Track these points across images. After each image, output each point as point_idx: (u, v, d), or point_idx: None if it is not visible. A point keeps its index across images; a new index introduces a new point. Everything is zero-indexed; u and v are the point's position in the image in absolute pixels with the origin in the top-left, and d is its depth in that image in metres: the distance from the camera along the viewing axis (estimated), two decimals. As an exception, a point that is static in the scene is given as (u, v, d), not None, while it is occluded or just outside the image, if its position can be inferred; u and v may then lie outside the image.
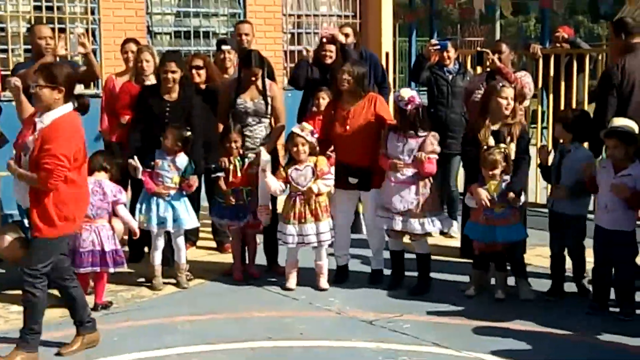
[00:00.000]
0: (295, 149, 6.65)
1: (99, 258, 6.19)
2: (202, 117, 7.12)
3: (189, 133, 6.75)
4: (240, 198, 6.93)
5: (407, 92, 6.53)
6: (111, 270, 6.29)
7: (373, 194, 6.80)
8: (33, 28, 7.43)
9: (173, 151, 6.75)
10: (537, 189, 9.27)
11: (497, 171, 6.32)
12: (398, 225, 6.53)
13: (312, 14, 11.48)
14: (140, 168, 6.71)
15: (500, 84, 6.55)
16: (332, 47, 7.84)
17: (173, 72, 6.88)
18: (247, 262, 7.17)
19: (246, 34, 8.37)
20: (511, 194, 6.31)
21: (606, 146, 6.08)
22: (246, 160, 6.93)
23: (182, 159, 6.76)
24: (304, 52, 7.96)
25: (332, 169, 6.90)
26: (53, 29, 8.04)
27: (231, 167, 6.91)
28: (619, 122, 6.05)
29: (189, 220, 6.84)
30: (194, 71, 7.55)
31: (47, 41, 7.17)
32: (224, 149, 6.93)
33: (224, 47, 8.05)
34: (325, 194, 6.73)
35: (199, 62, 7.64)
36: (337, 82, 6.79)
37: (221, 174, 6.93)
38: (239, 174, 6.91)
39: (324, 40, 7.86)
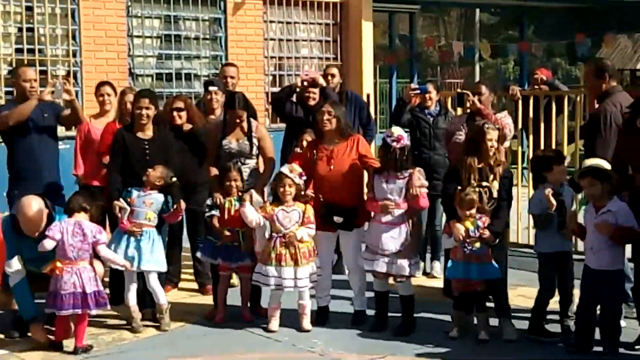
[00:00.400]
0: (282, 189, 6.65)
1: (80, 300, 6.12)
2: (182, 158, 7.11)
3: (175, 179, 6.74)
4: (235, 239, 6.87)
5: (397, 130, 6.58)
6: (93, 311, 6.22)
7: (353, 234, 6.82)
8: (17, 70, 7.42)
9: (152, 186, 6.73)
10: (519, 229, 9.31)
11: (474, 211, 6.35)
12: (383, 267, 6.52)
13: (293, 56, 11.56)
14: (128, 209, 6.67)
15: (487, 125, 6.59)
16: (315, 90, 7.89)
17: (147, 108, 6.89)
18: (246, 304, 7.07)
19: (231, 77, 8.42)
20: (487, 232, 6.33)
21: (583, 187, 6.13)
22: (243, 199, 6.80)
23: (157, 197, 6.74)
24: (298, 81, 8.01)
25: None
26: (35, 72, 8.02)
27: (227, 205, 6.85)
28: (591, 161, 6.13)
29: (152, 262, 6.72)
30: (175, 113, 7.56)
31: (31, 84, 7.17)
32: (222, 188, 6.88)
33: (211, 88, 8.06)
34: (307, 242, 6.70)
35: (180, 104, 7.65)
36: (319, 122, 6.83)
37: (216, 213, 6.88)
38: (232, 213, 6.81)
39: (305, 83, 7.91)
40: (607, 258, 5.96)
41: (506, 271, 6.69)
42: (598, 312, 6.09)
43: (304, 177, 6.71)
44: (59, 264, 6.11)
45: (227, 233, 6.80)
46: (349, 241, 6.90)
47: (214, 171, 7.06)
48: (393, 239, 6.50)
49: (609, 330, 6.02)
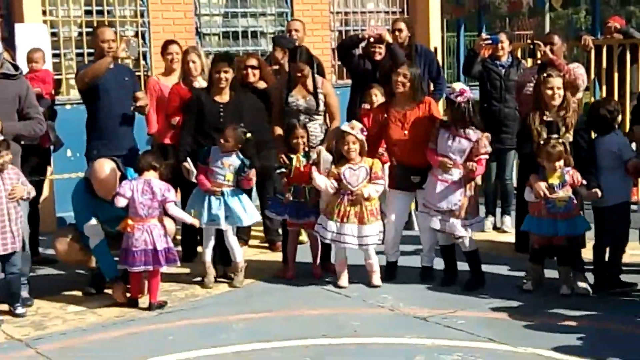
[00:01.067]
0: (346, 147, 6.60)
1: (151, 256, 6.22)
2: (256, 117, 7.14)
3: (249, 134, 6.72)
4: (302, 195, 6.86)
5: (458, 85, 6.49)
6: (164, 268, 6.32)
7: None
8: (96, 30, 7.53)
9: (229, 149, 6.76)
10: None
11: (562, 162, 6.22)
12: (436, 224, 6.48)
13: (359, 11, 11.44)
14: (194, 171, 6.73)
15: (545, 74, 6.45)
16: (381, 45, 7.79)
17: (226, 72, 6.91)
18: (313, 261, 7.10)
19: (296, 30, 8.40)
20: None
21: None
22: (312, 156, 6.83)
23: (235, 157, 6.76)
24: (365, 34, 7.95)
25: (386, 172, 6.86)
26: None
27: (295, 162, 6.84)
28: None
29: (246, 216, 6.78)
30: (249, 70, 7.59)
31: (109, 44, 7.27)
32: (288, 146, 6.87)
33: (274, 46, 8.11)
34: (375, 198, 6.67)
35: (254, 62, 7.67)
36: (392, 84, 6.73)
37: (284, 170, 6.87)
38: (302, 170, 6.81)
39: (372, 39, 7.81)
40: None
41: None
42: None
43: (365, 132, 6.65)
44: (130, 222, 6.21)
45: (289, 195, 6.81)
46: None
47: (279, 130, 7.06)
48: (446, 198, 6.42)
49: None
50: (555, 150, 6.19)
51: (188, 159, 6.81)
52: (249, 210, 6.81)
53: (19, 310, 6.17)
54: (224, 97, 7.00)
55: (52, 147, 7.63)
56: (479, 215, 6.74)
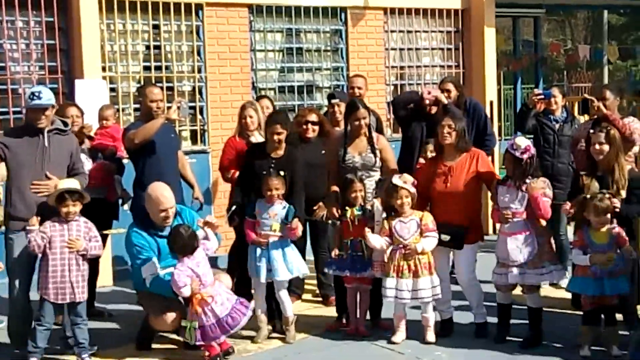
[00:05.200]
0: (399, 201, 6.58)
1: (218, 328, 6.25)
2: (309, 172, 7.16)
3: (282, 173, 6.76)
4: (359, 249, 6.81)
5: (523, 141, 6.44)
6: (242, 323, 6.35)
7: (465, 252, 6.72)
8: (144, 89, 7.49)
9: (272, 199, 6.77)
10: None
11: (609, 216, 6.12)
12: (514, 279, 6.40)
13: (414, 65, 11.49)
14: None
15: (590, 131, 6.42)
16: (436, 106, 7.70)
17: (279, 133, 6.91)
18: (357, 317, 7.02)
19: (359, 87, 8.32)
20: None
21: None
22: (367, 210, 6.81)
23: (279, 207, 6.76)
24: (425, 92, 7.87)
25: None
26: (162, 88, 8.19)
27: (349, 215, 6.81)
28: None
29: (284, 272, 6.74)
30: (309, 126, 7.62)
31: (157, 104, 7.26)
32: (345, 199, 6.85)
33: (333, 101, 8.07)
34: (428, 252, 6.62)
35: (314, 118, 7.68)
36: (439, 136, 6.75)
37: (337, 224, 6.86)
38: (356, 223, 6.77)
39: (427, 102, 7.70)
40: None
41: (639, 281, 6.42)
42: None
43: (416, 184, 6.64)
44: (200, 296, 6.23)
45: (335, 251, 6.83)
46: (460, 259, 6.81)
47: (334, 187, 7.01)
48: (519, 249, 6.36)
49: None
50: (601, 204, 6.10)
51: (234, 207, 6.91)
52: (294, 264, 6.78)
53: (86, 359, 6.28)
54: (279, 153, 7.00)
55: (120, 200, 7.71)
56: (558, 263, 6.65)
